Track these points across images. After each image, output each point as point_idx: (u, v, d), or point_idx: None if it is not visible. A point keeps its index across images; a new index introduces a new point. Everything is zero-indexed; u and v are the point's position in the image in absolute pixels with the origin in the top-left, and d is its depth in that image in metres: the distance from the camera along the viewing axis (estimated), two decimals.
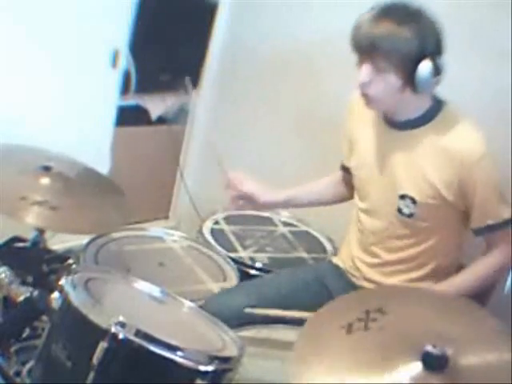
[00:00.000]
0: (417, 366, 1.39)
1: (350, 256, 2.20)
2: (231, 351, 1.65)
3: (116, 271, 1.91)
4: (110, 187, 2.25)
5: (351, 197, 2.27)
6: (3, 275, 1.84)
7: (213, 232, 2.62)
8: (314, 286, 2.20)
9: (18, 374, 1.82)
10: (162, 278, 2.12)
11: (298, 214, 2.79)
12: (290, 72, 2.96)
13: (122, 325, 1.52)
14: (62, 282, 1.69)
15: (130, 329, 1.52)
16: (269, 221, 2.81)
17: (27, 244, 2.16)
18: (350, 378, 1.41)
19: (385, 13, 1.87)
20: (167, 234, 2.52)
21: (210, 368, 1.54)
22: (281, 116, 3.04)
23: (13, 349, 1.87)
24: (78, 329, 1.60)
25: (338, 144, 2.26)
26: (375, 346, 1.46)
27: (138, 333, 1.52)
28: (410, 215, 2.01)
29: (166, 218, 3.50)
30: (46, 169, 2.08)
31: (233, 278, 2.32)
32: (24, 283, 1.90)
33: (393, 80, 1.89)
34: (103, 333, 1.52)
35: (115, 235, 2.39)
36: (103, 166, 2.74)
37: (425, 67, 1.86)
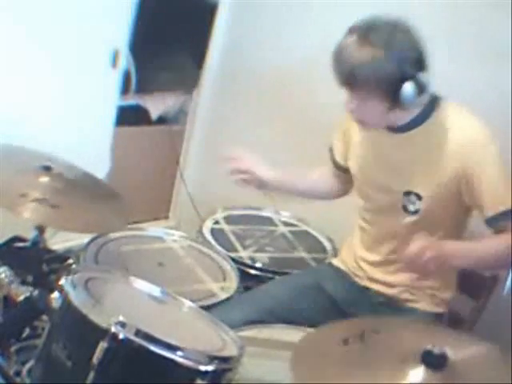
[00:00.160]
0: (416, 367, 1.40)
1: (352, 257, 2.20)
2: (231, 351, 1.65)
3: (116, 271, 1.91)
4: (109, 192, 2.26)
5: (344, 193, 2.29)
6: (3, 275, 1.84)
7: (213, 232, 2.62)
8: (313, 291, 2.19)
9: (18, 373, 1.83)
10: (161, 278, 2.12)
11: (298, 213, 2.80)
12: (290, 72, 2.96)
13: (122, 325, 1.52)
14: (62, 281, 1.69)
15: (130, 329, 1.52)
16: (269, 221, 2.81)
17: (27, 244, 2.16)
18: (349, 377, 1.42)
19: (363, 37, 1.83)
20: (167, 234, 2.52)
21: (209, 368, 1.54)
22: (281, 115, 3.04)
23: (13, 349, 1.87)
24: (78, 329, 1.60)
25: None
26: (372, 352, 1.49)
27: (137, 333, 1.52)
28: (416, 212, 2.00)
29: (166, 218, 3.50)
30: (46, 168, 2.09)
31: (233, 278, 2.32)
32: (24, 283, 1.90)
33: (377, 105, 1.88)
34: (103, 333, 1.52)
35: (115, 235, 2.39)
36: (103, 166, 2.75)
37: (407, 89, 1.84)
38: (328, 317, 2.10)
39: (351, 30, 1.86)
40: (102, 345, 1.51)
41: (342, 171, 2.25)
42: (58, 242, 2.53)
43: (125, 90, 2.91)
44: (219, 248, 2.49)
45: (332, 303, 2.17)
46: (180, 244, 2.48)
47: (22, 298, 1.79)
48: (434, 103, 1.98)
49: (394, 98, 1.85)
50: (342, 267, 2.24)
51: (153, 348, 1.51)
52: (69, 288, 1.63)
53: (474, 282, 2.22)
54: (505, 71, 2.34)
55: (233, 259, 2.42)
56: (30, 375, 1.75)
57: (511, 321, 2.28)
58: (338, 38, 1.93)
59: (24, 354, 1.89)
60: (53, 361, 1.60)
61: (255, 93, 3.10)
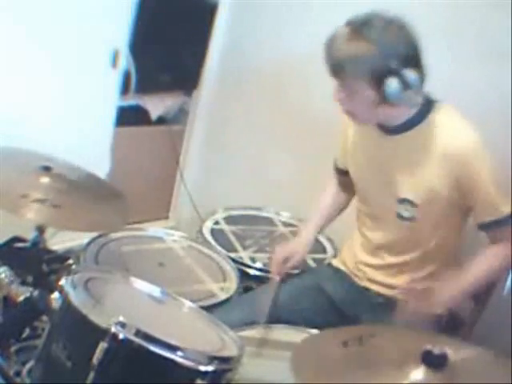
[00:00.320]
0: (417, 367, 1.40)
1: (353, 258, 2.20)
2: (231, 351, 1.65)
3: (116, 271, 1.91)
4: (111, 192, 2.26)
5: (351, 197, 2.28)
6: (3, 275, 1.84)
7: (213, 232, 2.62)
8: (312, 292, 2.19)
9: (18, 373, 1.83)
10: (162, 278, 2.12)
11: (297, 213, 2.80)
12: (290, 72, 2.96)
13: (122, 325, 1.52)
14: (62, 282, 1.68)
15: (130, 329, 1.52)
16: (269, 221, 2.81)
17: (27, 244, 2.16)
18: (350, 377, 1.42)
19: (355, 31, 1.84)
20: (167, 234, 2.52)
21: (209, 368, 1.54)
22: (281, 115, 3.04)
23: (13, 349, 1.87)
24: (78, 329, 1.60)
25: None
26: (372, 352, 1.50)
27: (137, 333, 1.52)
28: (411, 219, 2.01)
29: (166, 218, 3.50)
30: (47, 169, 2.09)
31: (233, 278, 2.32)
32: (24, 283, 1.90)
33: (364, 97, 1.89)
34: (103, 333, 1.52)
35: (115, 235, 2.39)
36: (103, 166, 2.75)
37: (391, 84, 1.84)
38: (327, 317, 2.11)
39: (347, 23, 1.88)
40: (102, 345, 1.51)
41: (343, 174, 2.25)
42: (58, 242, 2.53)
43: (125, 90, 2.91)
44: (219, 248, 2.50)
45: (331, 304, 2.17)
46: (180, 244, 2.48)
47: (22, 298, 1.79)
48: (429, 105, 1.97)
49: (379, 91, 1.86)
50: (342, 268, 2.23)
51: (153, 348, 1.51)
52: (69, 288, 1.63)
53: None
54: (505, 71, 2.34)
55: (233, 259, 2.42)
56: (30, 375, 1.75)
57: (511, 321, 2.27)
58: None
59: (24, 355, 1.89)
60: (53, 361, 1.60)
61: (255, 93, 3.10)
